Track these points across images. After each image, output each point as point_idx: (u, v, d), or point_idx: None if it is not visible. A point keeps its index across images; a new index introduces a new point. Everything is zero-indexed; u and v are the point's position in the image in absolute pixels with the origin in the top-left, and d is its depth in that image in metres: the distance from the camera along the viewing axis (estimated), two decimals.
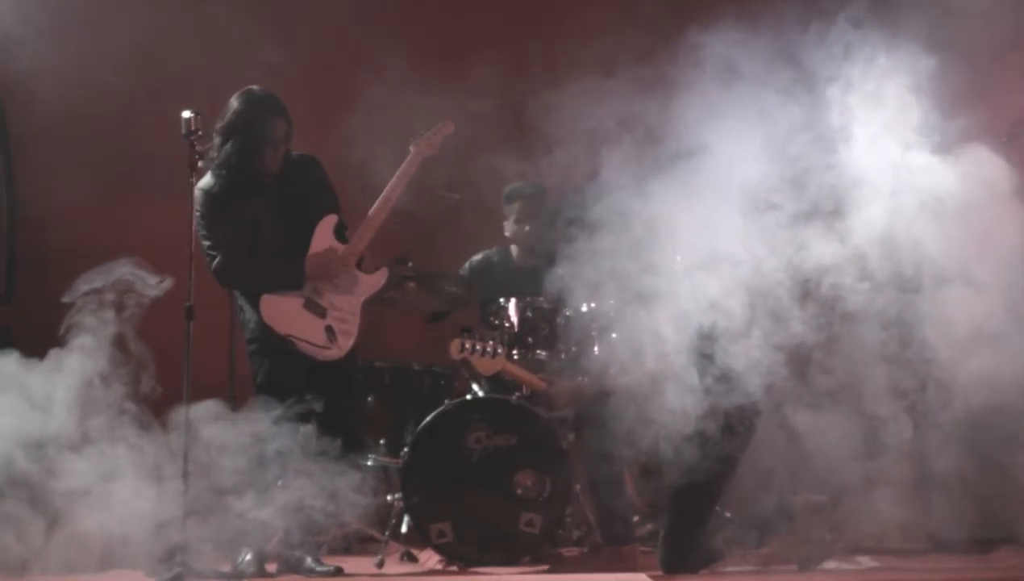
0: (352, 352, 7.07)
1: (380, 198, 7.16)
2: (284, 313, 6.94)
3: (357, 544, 7.82)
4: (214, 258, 6.93)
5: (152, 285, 6.75)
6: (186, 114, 6.63)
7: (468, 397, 7.60)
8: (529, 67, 8.26)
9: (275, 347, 6.95)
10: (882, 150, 6.81)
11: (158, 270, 6.87)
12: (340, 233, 7.12)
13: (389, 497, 7.70)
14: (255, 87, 7.05)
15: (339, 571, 6.85)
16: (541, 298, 7.54)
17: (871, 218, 6.77)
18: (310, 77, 8.79)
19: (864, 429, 7.18)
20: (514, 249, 8.26)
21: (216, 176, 6.97)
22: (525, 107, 7.44)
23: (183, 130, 6.63)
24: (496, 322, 7.62)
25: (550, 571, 7.13)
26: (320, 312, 6.98)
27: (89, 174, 8.84)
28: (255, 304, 6.97)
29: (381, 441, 7.92)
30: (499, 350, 7.18)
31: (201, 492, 6.51)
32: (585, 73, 7.14)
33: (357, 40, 8.89)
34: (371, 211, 7.14)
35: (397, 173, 7.22)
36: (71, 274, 6.87)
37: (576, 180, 7.32)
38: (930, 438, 7.48)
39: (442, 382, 8.01)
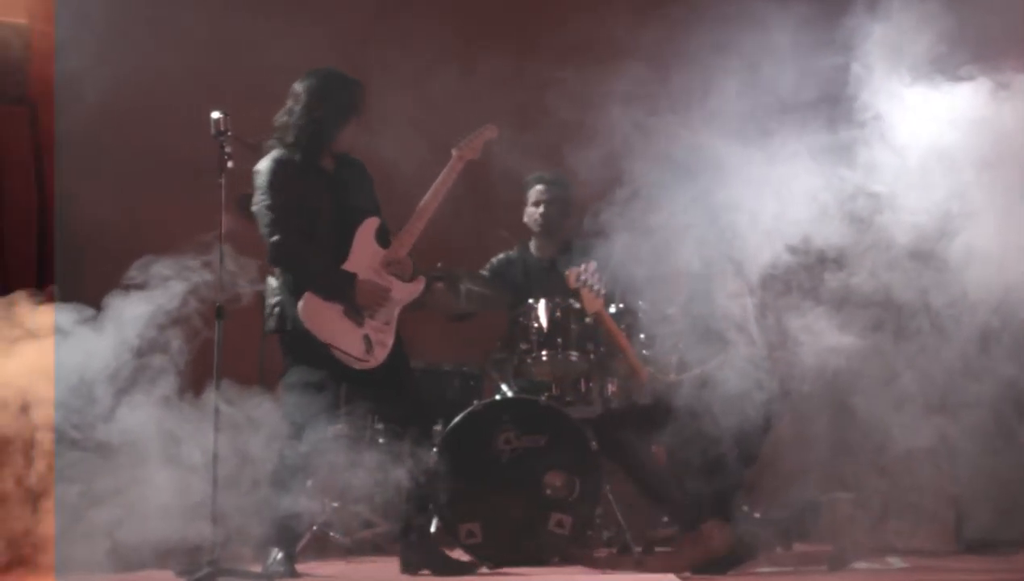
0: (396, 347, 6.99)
1: (422, 204, 7.07)
2: (324, 318, 6.79)
3: (387, 545, 7.82)
4: (273, 234, 6.79)
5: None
6: (215, 115, 6.60)
7: (497, 398, 7.61)
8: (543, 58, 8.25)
9: (309, 348, 6.84)
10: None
11: (188, 270, 6.91)
12: (382, 237, 7.04)
13: None
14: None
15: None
16: (571, 299, 7.55)
17: None
18: None
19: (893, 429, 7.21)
20: (532, 243, 8.29)
21: (289, 147, 6.89)
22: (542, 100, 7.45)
23: (212, 130, 6.61)
24: (525, 323, 7.63)
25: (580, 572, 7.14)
26: (359, 320, 6.84)
27: (120, 175, 8.87)
28: (294, 299, 6.83)
29: None
30: (603, 291, 7.07)
31: (231, 491, 6.55)
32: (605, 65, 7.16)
33: (379, 42, 8.88)
34: (413, 218, 7.05)
35: (439, 178, 7.12)
36: (102, 274, 6.90)
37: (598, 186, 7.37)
38: (960, 438, 7.48)
39: (471, 383, 8.02)
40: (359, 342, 6.81)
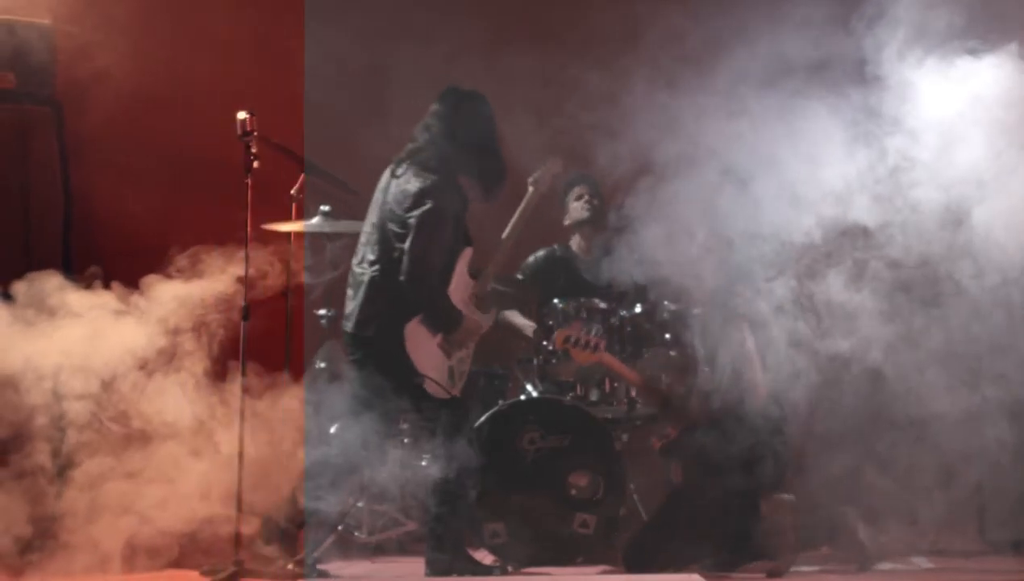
0: None
1: (505, 237, 7.13)
2: (423, 348, 6.76)
3: (411, 544, 7.82)
4: (422, 265, 6.73)
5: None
6: (241, 115, 6.60)
7: (522, 398, 7.60)
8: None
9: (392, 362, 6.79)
10: None
11: (210, 271, 6.92)
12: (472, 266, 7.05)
13: None
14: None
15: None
16: (596, 299, 7.56)
17: None
18: (351, 80, 8.78)
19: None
20: (574, 242, 8.31)
21: (458, 172, 6.90)
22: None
23: (238, 131, 6.61)
24: (552, 323, 7.62)
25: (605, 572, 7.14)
26: (448, 352, 6.84)
27: (143, 175, 8.87)
28: (397, 317, 6.77)
29: None
30: (600, 345, 7.10)
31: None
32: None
33: (396, 46, 8.88)
34: (499, 253, 7.13)
35: (519, 213, 7.16)
36: (125, 274, 6.92)
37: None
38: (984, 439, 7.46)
39: (496, 383, 8.01)
40: (445, 373, 6.80)
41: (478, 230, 7.09)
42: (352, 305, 6.86)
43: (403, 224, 6.75)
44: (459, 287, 6.91)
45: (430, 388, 6.75)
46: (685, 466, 6.92)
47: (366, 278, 6.82)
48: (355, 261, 6.96)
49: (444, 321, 6.80)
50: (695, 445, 6.79)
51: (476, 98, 6.99)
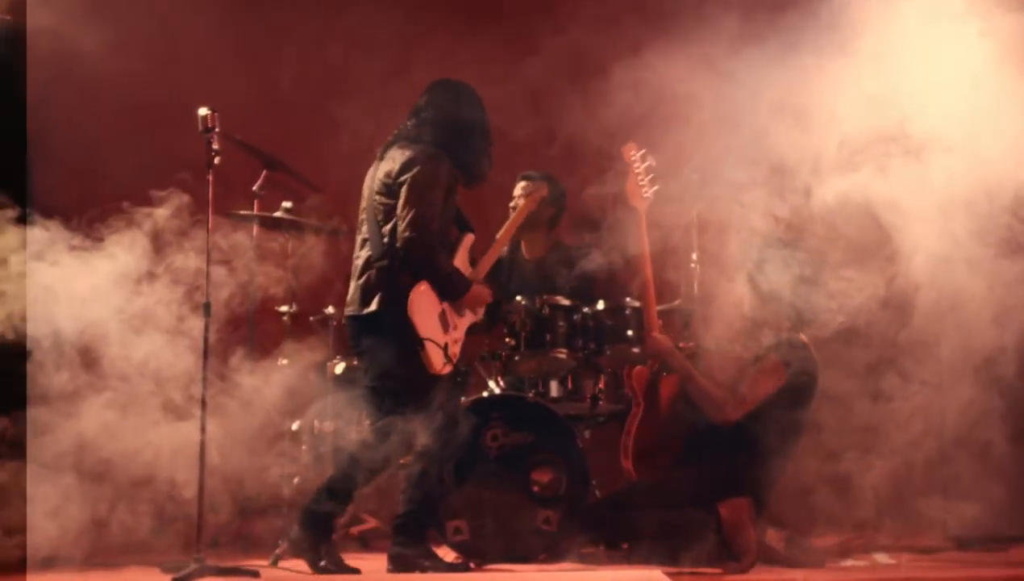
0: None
1: (499, 236, 7.28)
2: (426, 314, 6.73)
3: (373, 541, 7.81)
4: (417, 227, 6.68)
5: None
6: (203, 111, 6.58)
7: (484, 395, 7.59)
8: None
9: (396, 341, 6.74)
10: None
11: (176, 266, 6.90)
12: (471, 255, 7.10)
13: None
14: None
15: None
16: (558, 296, 7.56)
17: None
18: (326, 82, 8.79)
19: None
20: (522, 243, 8.32)
21: (452, 152, 6.89)
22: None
23: (200, 127, 6.59)
24: (511, 321, 7.62)
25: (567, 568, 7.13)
26: (446, 327, 6.81)
27: (106, 170, 8.83)
28: (400, 288, 6.74)
29: None
30: (650, 194, 7.09)
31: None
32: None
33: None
34: (491, 249, 7.19)
35: (512, 217, 7.41)
36: None
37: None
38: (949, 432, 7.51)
39: (458, 379, 7.99)
40: (442, 346, 6.77)
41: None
42: (352, 290, 6.88)
43: (392, 192, 6.78)
44: (462, 269, 6.95)
45: (430, 354, 6.67)
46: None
47: (361, 261, 6.85)
48: (354, 255, 6.97)
49: (453, 284, 6.82)
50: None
51: (464, 87, 7.04)
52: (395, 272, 6.75)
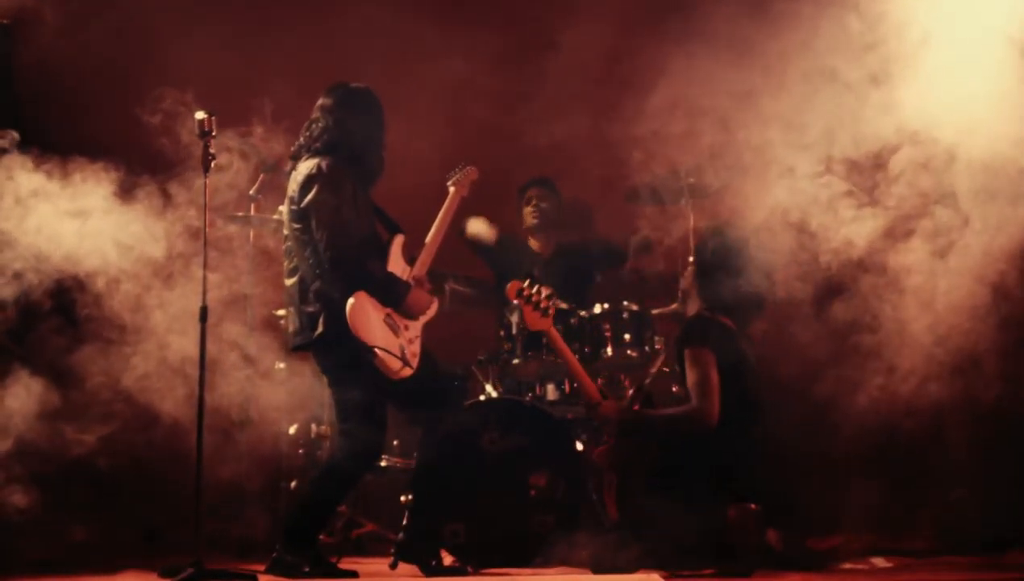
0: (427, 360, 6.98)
1: (429, 238, 7.07)
2: (370, 323, 6.65)
3: (370, 544, 7.82)
4: (336, 245, 6.66)
5: None
6: (199, 115, 6.56)
7: (482, 398, 7.60)
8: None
9: (354, 356, 6.70)
10: None
11: (171, 271, 6.91)
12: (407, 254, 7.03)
13: (402, 498, 7.70)
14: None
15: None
16: (558, 298, 7.58)
17: None
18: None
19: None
20: (532, 242, 8.42)
21: (348, 158, 6.83)
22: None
23: (197, 131, 6.58)
24: (510, 323, 7.63)
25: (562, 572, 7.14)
26: (396, 330, 6.77)
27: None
28: (339, 306, 6.68)
29: (395, 442, 7.93)
30: (550, 311, 6.88)
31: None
32: None
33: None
34: (425, 248, 7.05)
35: (441, 214, 7.13)
36: None
37: None
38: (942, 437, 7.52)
39: (457, 383, 8.00)
40: (397, 349, 6.72)
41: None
42: (294, 318, 6.83)
43: (302, 216, 6.74)
44: (397, 270, 6.88)
45: (385, 360, 6.63)
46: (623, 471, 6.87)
47: (295, 287, 6.80)
48: (285, 280, 6.92)
49: (388, 290, 6.75)
50: (635, 453, 6.76)
51: (362, 91, 6.99)
52: (330, 292, 6.69)
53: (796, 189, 6.99)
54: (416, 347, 6.84)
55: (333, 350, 6.71)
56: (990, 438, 7.55)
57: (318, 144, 6.84)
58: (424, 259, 7.02)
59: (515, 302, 6.92)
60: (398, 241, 6.95)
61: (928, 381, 7.36)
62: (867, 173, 7.03)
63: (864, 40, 6.86)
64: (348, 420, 6.70)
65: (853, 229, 6.96)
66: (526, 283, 6.88)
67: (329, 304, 6.66)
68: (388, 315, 6.75)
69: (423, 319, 6.93)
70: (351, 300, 6.60)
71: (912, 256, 6.96)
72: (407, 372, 6.72)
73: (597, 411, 6.80)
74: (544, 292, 6.85)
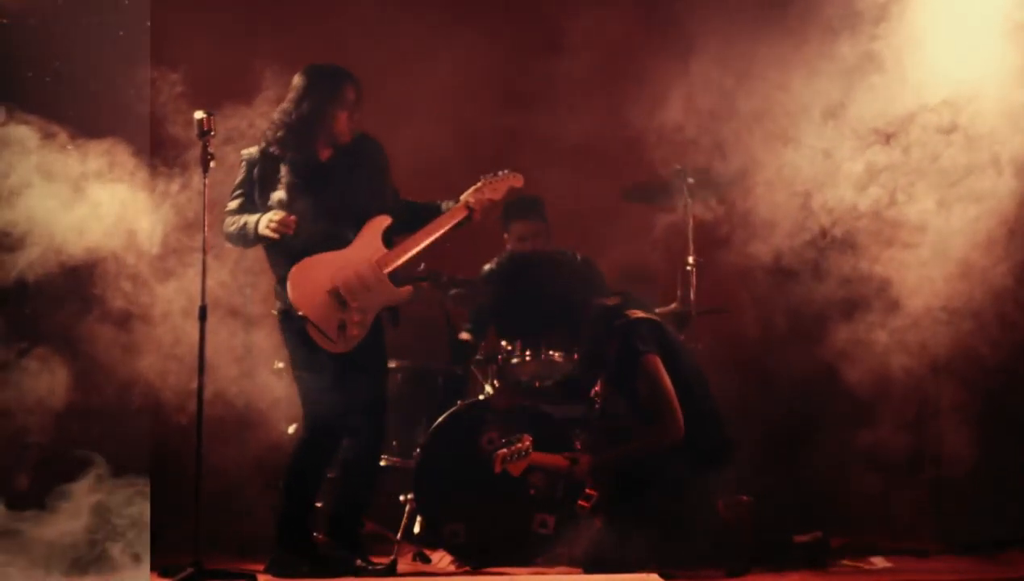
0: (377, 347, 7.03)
1: (425, 230, 7.10)
2: (309, 293, 6.79)
3: (370, 544, 7.80)
4: (232, 215, 6.95)
5: None
6: (198, 115, 6.57)
7: (481, 398, 7.60)
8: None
9: (295, 327, 6.86)
10: None
11: (169, 271, 6.93)
12: (387, 237, 7.05)
13: (402, 497, 7.71)
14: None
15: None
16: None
17: None
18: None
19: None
20: None
21: (274, 143, 6.95)
22: None
23: (196, 130, 6.58)
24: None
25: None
26: (341, 305, 6.83)
27: None
28: (284, 279, 6.86)
29: (394, 442, 7.92)
30: (527, 448, 6.90)
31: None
32: None
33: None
34: (418, 235, 7.08)
35: (435, 222, 7.12)
36: None
37: None
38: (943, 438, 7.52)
39: (455, 383, 8.01)
40: (333, 324, 6.81)
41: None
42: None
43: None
44: (364, 249, 6.95)
45: (311, 331, 6.79)
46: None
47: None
48: None
49: (242, 236, 6.91)
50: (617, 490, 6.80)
51: (336, 72, 7.04)
52: (274, 268, 6.96)
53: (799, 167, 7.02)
54: (362, 329, 6.88)
55: (281, 322, 6.94)
56: (990, 438, 7.55)
57: (272, 132, 6.99)
58: (403, 251, 7.05)
59: (500, 471, 6.91)
60: (376, 222, 6.99)
61: (927, 380, 7.40)
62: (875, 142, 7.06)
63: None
64: (302, 391, 6.96)
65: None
66: (504, 452, 6.87)
67: (281, 279, 6.87)
68: (335, 289, 6.81)
69: (383, 303, 6.96)
70: (289, 281, 6.79)
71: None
72: (336, 348, 6.82)
73: (574, 473, 6.88)
74: (521, 448, 6.87)
